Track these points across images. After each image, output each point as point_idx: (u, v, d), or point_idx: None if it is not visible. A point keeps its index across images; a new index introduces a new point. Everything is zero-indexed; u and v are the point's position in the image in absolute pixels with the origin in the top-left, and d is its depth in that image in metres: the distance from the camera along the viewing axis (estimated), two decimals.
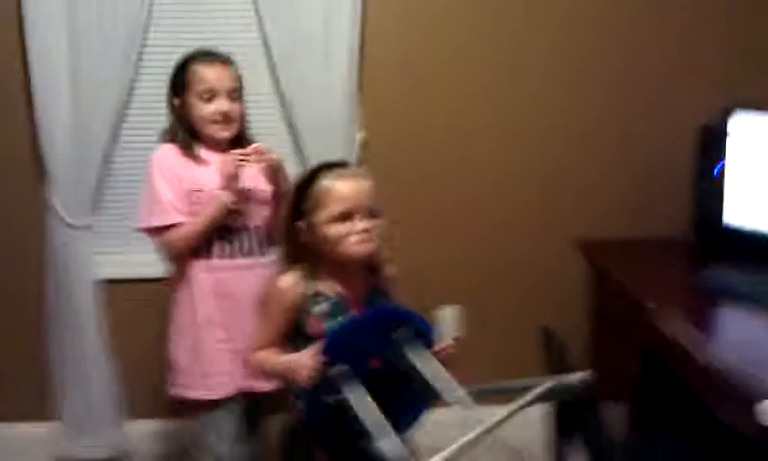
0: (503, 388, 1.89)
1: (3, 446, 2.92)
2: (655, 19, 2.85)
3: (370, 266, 1.96)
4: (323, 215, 1.85)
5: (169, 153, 2.26)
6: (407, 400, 1.80)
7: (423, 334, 1.80)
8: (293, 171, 2.71)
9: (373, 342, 1.76)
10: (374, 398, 1.66)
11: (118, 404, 2.92)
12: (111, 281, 2.86)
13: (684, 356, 1.97)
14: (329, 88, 2.72)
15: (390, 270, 2.03)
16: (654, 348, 2.28)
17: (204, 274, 2.25)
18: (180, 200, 2.21)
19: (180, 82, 2.27)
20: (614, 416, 2.10)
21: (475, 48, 2.84)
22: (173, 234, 2.21)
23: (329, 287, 1.90)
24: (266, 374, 1.99)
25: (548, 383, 1.73)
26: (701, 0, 2.83)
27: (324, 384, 1.70)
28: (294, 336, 1.90)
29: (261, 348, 1.93)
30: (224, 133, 2.26)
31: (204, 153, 2.28)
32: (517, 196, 2.95)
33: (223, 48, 2.35)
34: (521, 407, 1.63)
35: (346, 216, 1.84)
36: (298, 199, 1.92)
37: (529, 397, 1.66)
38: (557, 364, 2.17)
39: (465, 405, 1.62)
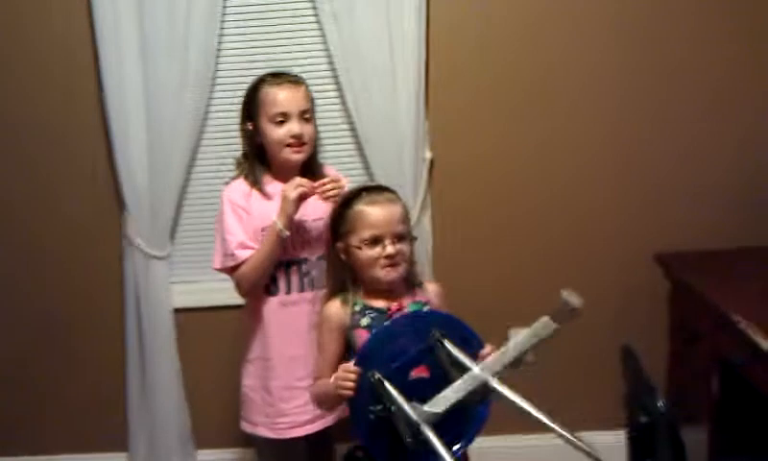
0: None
1: None
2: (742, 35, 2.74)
3: (409, 285, 2.03)
4: (355, 239, 1.95)
5: (238, 189, 2.24)
6: (461, 411, 1.73)
7: (465, 340, 1.81)
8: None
9: (411, 347, 1.79)
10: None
11: (189, 434, 2.95)
12: (183, 310, 2.89)
13: None
14: (396, 108, 2.68)
15: (432, 288, 2.08)
16: (736, 364, 2.19)
17: (273, 309, 2.25)
18: (251, 237, 2.20)
19: (251, 105, 2.23)
20: (693, 440, 2.02)
21: (542, 67, 2.78)
22: (243, 269, 2.19)
23: (374, 302, 1.97)
24: (323, 400, 2.00)
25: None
26: None
27: (368, 395, 1.75)
28: (351, 356, 1.92)
29: (319, 378, 1.98)
30: (297, 156, 2.22)
31: (272, 186, 2.24)
32: (592, 209, 2.86)
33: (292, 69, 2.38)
34: None
35: (375, 240, 1.93)
36: (336, 221, 2.01)
37: None
38: (634, 383, 2.12)
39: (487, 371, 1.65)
